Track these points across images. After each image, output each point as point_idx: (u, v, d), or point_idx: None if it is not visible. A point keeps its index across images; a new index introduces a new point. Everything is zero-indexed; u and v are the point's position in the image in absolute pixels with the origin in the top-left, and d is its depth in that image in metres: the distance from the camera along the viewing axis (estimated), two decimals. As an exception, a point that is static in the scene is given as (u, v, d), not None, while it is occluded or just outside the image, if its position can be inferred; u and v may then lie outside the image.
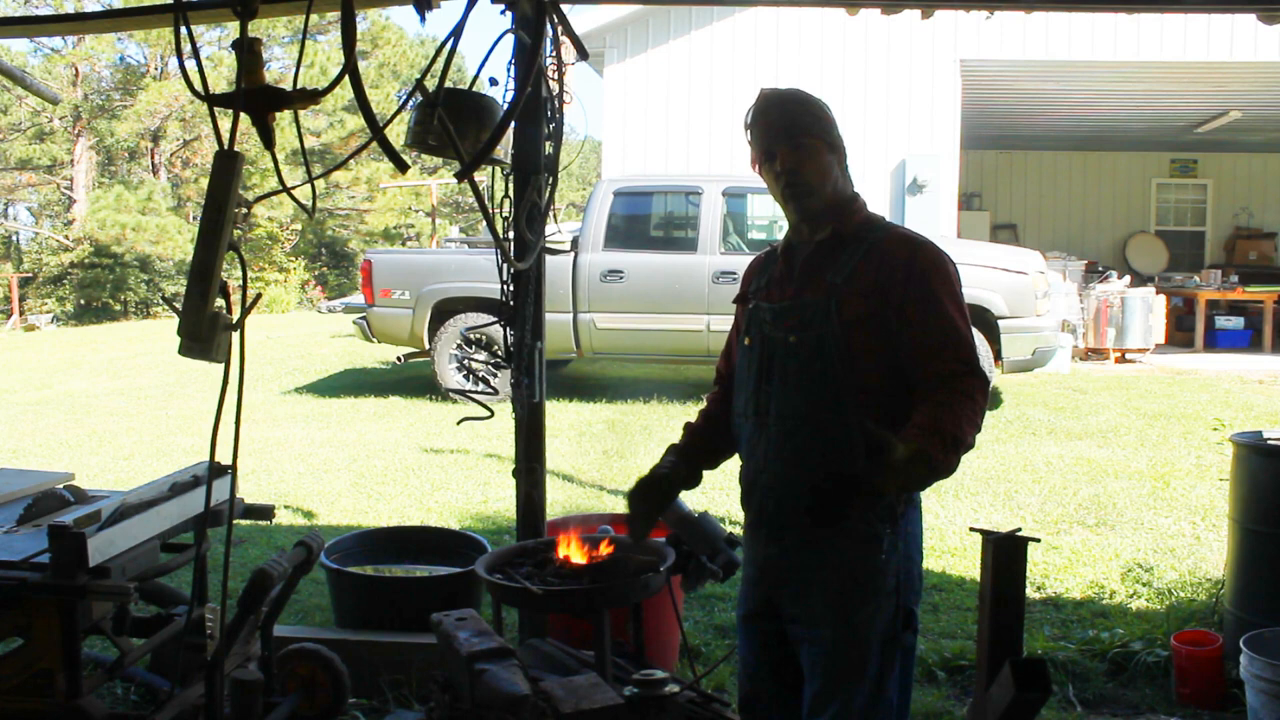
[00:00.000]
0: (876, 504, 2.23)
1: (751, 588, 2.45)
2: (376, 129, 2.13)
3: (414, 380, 10.67)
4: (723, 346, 2.62)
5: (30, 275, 28.97)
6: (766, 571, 2.38)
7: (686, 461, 2.53)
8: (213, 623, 3.00)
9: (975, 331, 9.21)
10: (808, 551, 2.30)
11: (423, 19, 3.27)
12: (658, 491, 2.49)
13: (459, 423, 4.01)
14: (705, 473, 2.56)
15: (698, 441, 2.56)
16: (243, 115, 2.06)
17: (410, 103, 2.83)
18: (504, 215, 3.48)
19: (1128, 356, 12.81)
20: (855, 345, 2.22)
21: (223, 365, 2.04)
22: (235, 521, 2.75)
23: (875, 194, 11.80)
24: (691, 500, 2.56)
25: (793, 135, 2.28)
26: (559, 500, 6.08)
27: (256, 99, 2.07)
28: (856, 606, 2.25)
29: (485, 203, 3.21)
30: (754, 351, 2.36)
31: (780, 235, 2.50)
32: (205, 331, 1.99)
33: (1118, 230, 18.69)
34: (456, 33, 2.54)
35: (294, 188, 2.30)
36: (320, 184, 2.45)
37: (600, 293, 9.47)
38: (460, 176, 2.55)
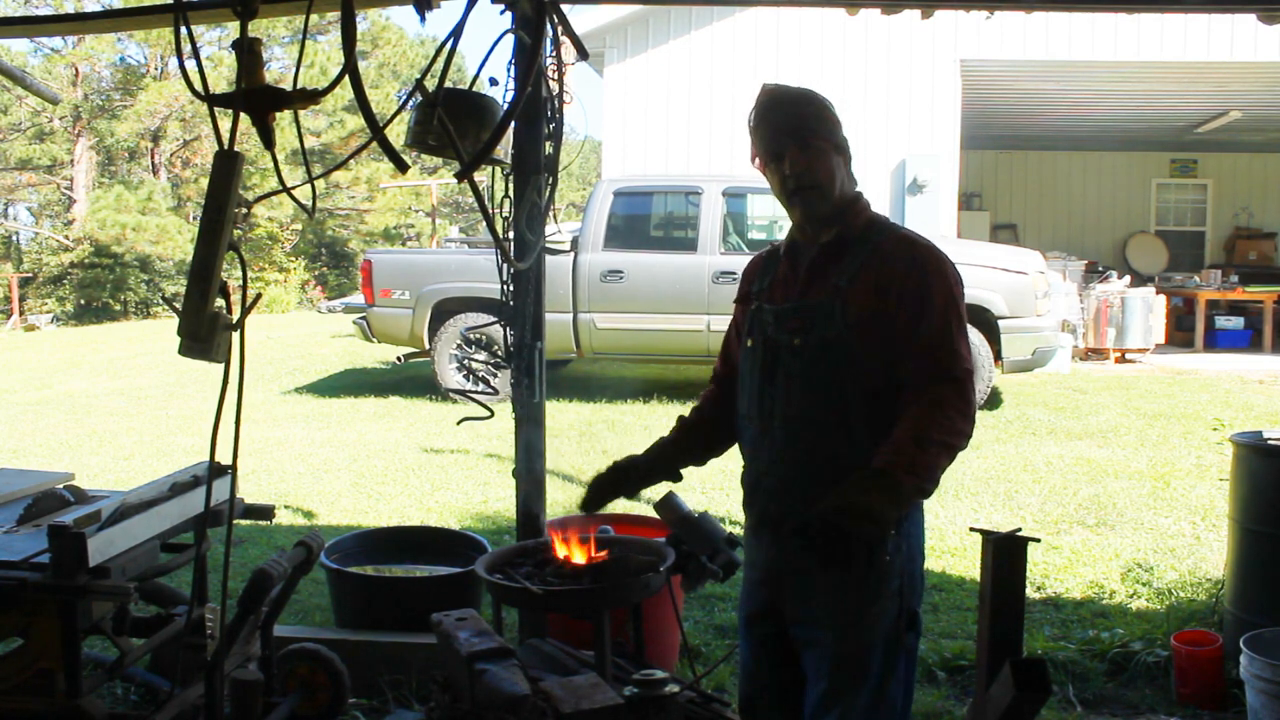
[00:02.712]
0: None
1: (754, 589, 2.44)
2: (376, 129, 2.13)
3: (414, 380, 10.67)
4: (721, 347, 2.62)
5: (30, 275, 28.96)
6: (769, 574, 2.38)
7: (669, 457, 2.56)
8: (213, 623, 3.00)
9: (975, 332, 9.17)
10: (810, 554, 2.29)
11: (423, 19, 3.27)
12: (615, 480, 2.56)
13: (459, 423, 4.01)
14: (706, 472, 2.56)
15: (688, 438, 2.58)
16: (243, 115, 2.06)
17: (410, 103, 2.83)
18: (504, 215, 3.48)
19: (1128, 356, 12.81)
20: (859, 347, 2.21)
21: (223, 365, 2.04)
22: (235, 521, 2.75)
23: (875, 194, 11.78)
24: (692, 500, 2.57)
25: (801, 136, 2.25)
26: (559, 500, 6.08)
27: (256, 99, 2.07)
28: (861, 608, 2.25)
29: (485, 203, 3.21)
30: (756, 354, 2.35)
31: (780, 234, 2.50)
32: (205, 331, 1.99)
33: (1118, 230, 18.68)
34: (456, 33, 2.54)
35: (294, 188, 2.30)
36: (320, 184, 2.45)
37: (600, 293, 9.47)
38: (460, 176, 2.55)
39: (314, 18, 4.29)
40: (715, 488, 6.12)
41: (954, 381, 2.17)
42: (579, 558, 2.82)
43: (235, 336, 2.05)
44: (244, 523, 3.27)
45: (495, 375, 8.99)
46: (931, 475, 2.12)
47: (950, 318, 2.21)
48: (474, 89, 2.99)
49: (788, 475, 2.29)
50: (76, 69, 28.93)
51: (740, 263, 9.17)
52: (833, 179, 2.28)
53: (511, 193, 3.54)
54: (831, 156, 2.27)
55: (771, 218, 9.76)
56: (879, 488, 2.07)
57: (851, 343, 2.22)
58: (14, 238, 33.22)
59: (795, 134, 2.25)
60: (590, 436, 8.14)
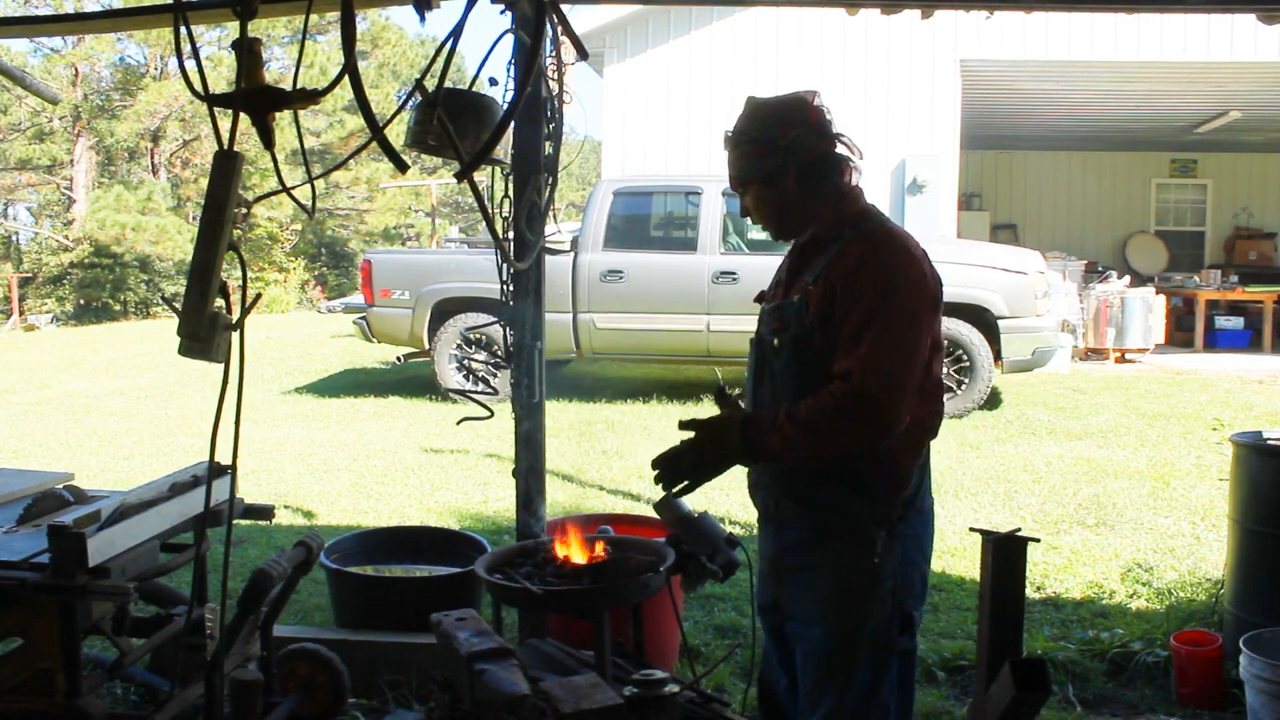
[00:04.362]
0: (870, 506, 2.25)
1: (763, 580, 2.50)
2: (376, 129, 2.13)
3: (414, 380, 10.67)
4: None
5: (30, 275, 28.95)
6: (772, 565, 2.43)
7: None
8: (213, 623, 3.00)
9: (975, 331, 9.16)
10: (803, 551, 2.32)
11: (423, 19, 3.27)
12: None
13: (459, 423, 4.01)
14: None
15: None
16: (243, 115, 2.05)
17: (410, 103, 2.83)
18: (504, 215, 3.48)
19: (1127, 356, 12.81)
20: (824, 346, 2.23)
21: (223, 365, 2.04)
22: (235, 521, 2.75)
23: (875, 194, 11.74)
24: (691, 500, 2.57)
25: (741, 184, 2.37)
26: (559, 500, 6.08)
27: (256, 99, 2.07)
28: (848, 608, 2.26)
29: (485, 203, 3.21)
30: (753, 353, 2.43)
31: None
32: (205, 331, 1.99)
33: (1118, 230, 18.69)
34: (456, 33, 2.54)
35: (294, 188, 2.30)
36: (320, 184, 2.45)
37: (600, 293, 9.47)
38: (460, 176, 2.55)
39: (314, 18, 4.29)
40: (715, 487, 6.09)
41: (848, 383, 2.13)
42: (579, 558, 2.82)
43: (235, 336, 2.05)
44: (244, 523, 3.27)
45: (495, 375, 8.98)
46: (783, 453, 2.21)
47: (872, 319, 2.15)
48: (474, 89, 2.99)
49: (778, 471, 2.34)
50: (76, 69, 28.91)
51: (740, 263, 9.29)
52: (767, 214, 2.37)
53: (511, 193, 3.54)
54: (758, 194, 2.34)
55: (771, 218, 9.75)
56: (722, 430, 2.25)
57: (816, 341, 2.24)
58: (14, 238, 33.20)
59: (736, 183, 2.38)
60: (590, 436, 8.14)
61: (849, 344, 2.16)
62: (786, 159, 2.27)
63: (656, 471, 2.33)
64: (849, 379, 2.14)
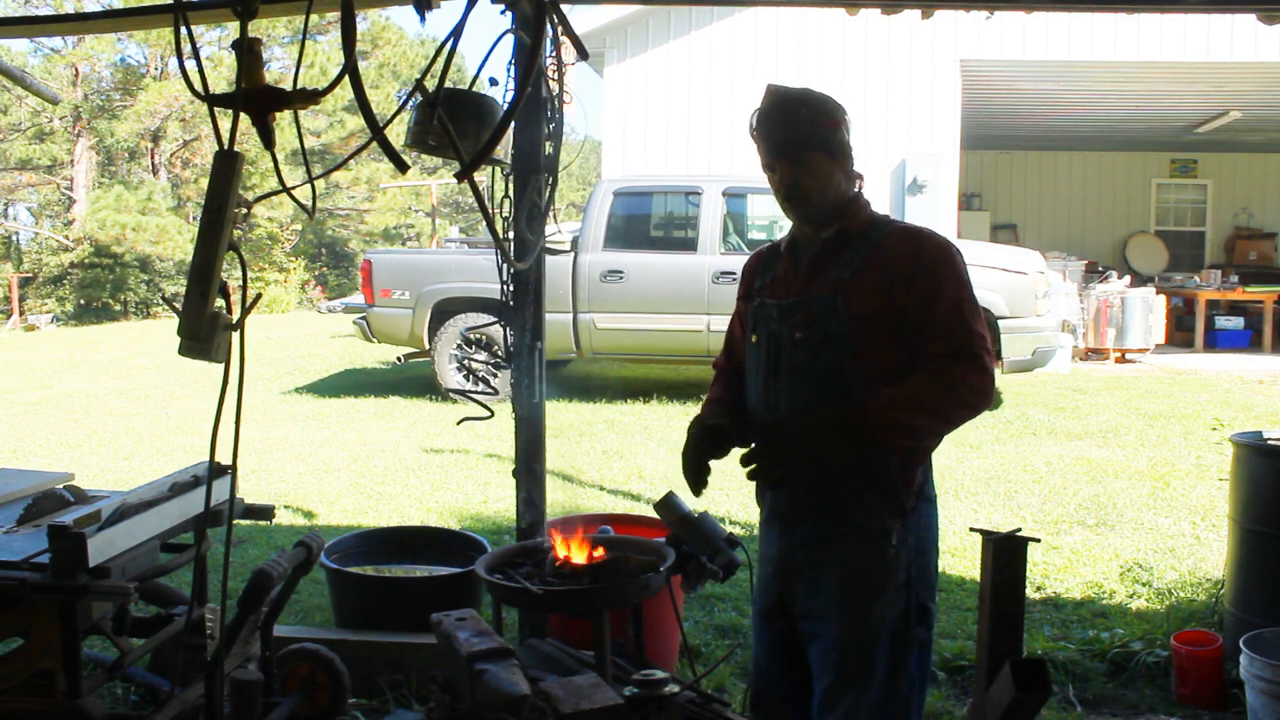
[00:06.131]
0: (885, 499, 2.25)
1: (766, 584, 2.47)
2: (376, 129, 2.13)
3: (414, 380, 10.67)
4: (722, 344, 2.65)
5: (30, 275, 28.96)
6: (780, 567, 2.40)
7: (732, 417, 2.46)
8: (213, 623, 3.00)
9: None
10: (818, 547, 2.31)
11: (423, 19, 3.27)
12: (714, 440, 2.43)
13: (459, 423, 4.01)
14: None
15: (727, 405, 2.51)
16: (243, 115, 2.05)
17: (410, 103, 2.83)
18: (504, 215, 3.48)
19: (1128, 356, 12.81)
20: (863, 340, 2.24)
21: (223, 365, 2.04)
22: (235, 521, 2.75)
23: (875, 194, 11.77)
24: (692, 500, 2.57)
25: (790, 151, 2.31)
26: (559, 500, 6.08)
27: (256, 99, 2.07)
28: (866, 601, 2.26)
29: (485, 203, 3.21)
30: (761, 348, 2.39)
31: (780, 234, 2.51)
32: (205, 331, 1.99)
33: (1118, 230, 18.69)
34: (456, 33, 2.53)
35: (294, 188, 2.30)
36: (320, 184, 2.44)
37: (600, 293, 9.47)
38: (460, 176, 2.55)
39: (314, 18, 4.28)
40: (715, 488, 6.07)
41: (970, 356, 2.21)
42: (579, 558, 2.82)
43: (235, 336, 2.05)
44: (244, 523, 3.26)
45: (495, 375, 8.99)
46: (909, 435, 2.21)
47: (962, 300, 2.25)
48: (474, 89, 2.99)
49: (795, 467, 2.30)
50: (76, 69, 28.92)
51: (740, 263, 9.25)
52: (822, 187, 2.32)
53: (511, 193, 3.54)
54: (823, 165, 2.31)
55: (771, 218, 9.76)
56: (840, 427, 2.19)
57: (854, 335, 2.24)
58: (14, 238, 33.19)
59: (785, 148, 2.32)
60: (590, 436, 8.14)
61: (950, 322, 2.22)
62: (848, 139, 2.35)
63: (753, 466, 2.26)
64: (968, 352, 2.21)
